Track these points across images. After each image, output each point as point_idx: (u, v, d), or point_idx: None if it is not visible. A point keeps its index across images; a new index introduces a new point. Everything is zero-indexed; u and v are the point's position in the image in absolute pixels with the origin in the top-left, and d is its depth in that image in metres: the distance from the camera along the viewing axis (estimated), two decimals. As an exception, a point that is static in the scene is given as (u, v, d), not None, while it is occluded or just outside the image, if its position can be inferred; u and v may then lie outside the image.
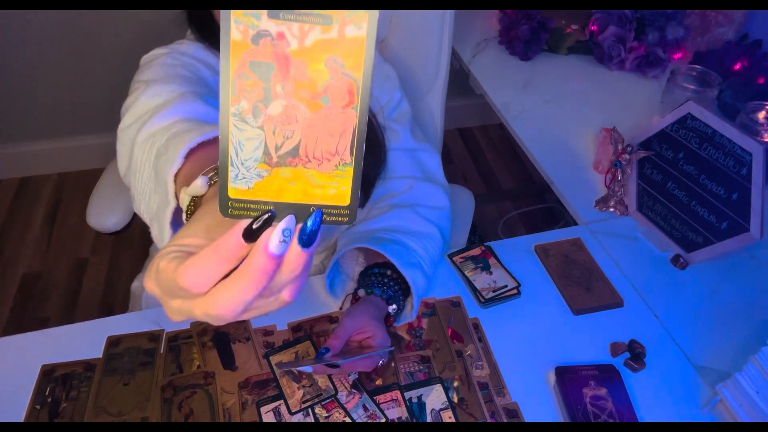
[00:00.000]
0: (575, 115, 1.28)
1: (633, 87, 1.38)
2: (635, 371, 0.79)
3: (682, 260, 0.94)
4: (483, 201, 2.08)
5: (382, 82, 0.93)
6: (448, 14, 1.10)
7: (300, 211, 0.31)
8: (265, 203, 0.31)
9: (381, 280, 0.79)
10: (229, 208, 0.31)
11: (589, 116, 1.27)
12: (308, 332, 0.81)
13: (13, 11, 1.73)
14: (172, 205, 0.47)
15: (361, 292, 0.80)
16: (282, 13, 0.27)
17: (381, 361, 0.75)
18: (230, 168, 0.30)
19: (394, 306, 0.79)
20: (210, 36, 0.81)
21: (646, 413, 0.74)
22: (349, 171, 0.31)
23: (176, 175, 0.47)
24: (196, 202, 0.42)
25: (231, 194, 0.31)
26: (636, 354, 0.80)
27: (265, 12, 0.27)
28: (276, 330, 0.81)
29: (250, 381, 0.75)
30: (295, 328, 0.81)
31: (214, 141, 0.49)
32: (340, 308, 0.84)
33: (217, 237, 0.31)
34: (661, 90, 1.24)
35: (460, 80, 1.52)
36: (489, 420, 0.72)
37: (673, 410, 0.75)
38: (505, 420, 0.72)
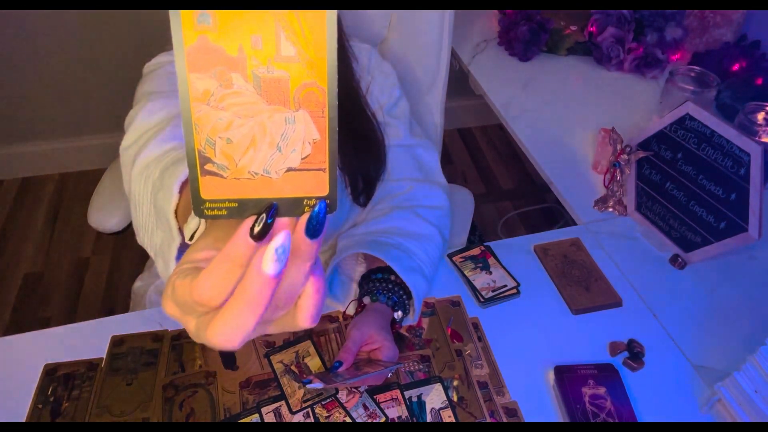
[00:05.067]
0: (574, 116, 1.28)
1: (632, 88, 1.39)
2: (634, 370, 0.79)
3: (680, 260, 0.95)
4: (483, 201, 2.09)
5: (382, 81, 0.94)
6: (448, 14, 1.11)
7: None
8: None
9: (385, 286, 0.79)
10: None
11: (588, 117, 1.28)
12: (308, 331, 0.81)
13: (14, 11, 1.74)
14: (177, 241, 0.45)
15: (366, 300, 0.79)
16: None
17: (390, 374, 0.76)
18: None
19: (400, 312, 0.79)
20: None
21: (645, 412, 0.74)
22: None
23: (176, 209, 0.45)
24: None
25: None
26: (635, 353, 0.80)
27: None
28: (277, 330, 0.81)
29: (250, 381, 0.75)
30: (296, 327, 0.82)
31: None
32: (344, 312, 0.84)
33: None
34: (659, 90, 1.25)
35: (459, 81, 1.52)
36: (488, 419, 0.72)
37: (671, 409, 0.75)
38: (504, 419, 0.73)
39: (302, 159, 0.29)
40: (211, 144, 0.29)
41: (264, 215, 0.29)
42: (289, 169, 0.30)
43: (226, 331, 0.29)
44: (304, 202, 0.30)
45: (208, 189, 0.29)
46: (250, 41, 0.27)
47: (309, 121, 0.29)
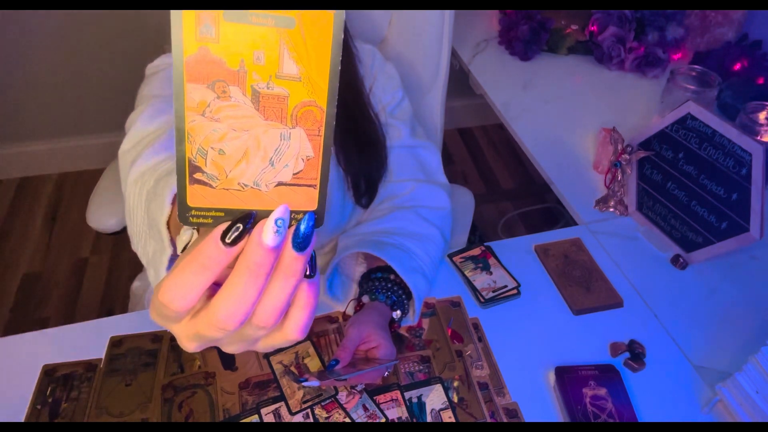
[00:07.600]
0: (575, 115, 1.28)
1: (633, 87, 1.38)
2: (635, 371, 0.79)
3: (681, 260, 0.95)
4: (483, 201, 2.08)
5: (384, 82, 0.94)
6: (448, 14, 1.10)
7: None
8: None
9: (385, 285, 0.79)
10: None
11: (589, 116, 1.27)
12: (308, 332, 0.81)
13: (14, 11, 1.73)
14: (168, 252, 0.45)
15: (365, 299, 0.79)
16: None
17: (386, 372, 0.75)
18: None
19: (399, 312, 0.79)
20: None
21: (646, 413, 0.74)
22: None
23: (168, 220, 0.45)
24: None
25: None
26: (636, 354, 0.80)
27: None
28: (276, 330, 0.81)
29: (250, 381, 0.75)
30: (296, 328, 0.81)
31: None
32: (343, 312, 0.84)
33: None
34: (660, 90, 1.24)
35: (460, 80, 1.52)
36: (489, 420, 0.72)
37: (672, 410, 0.75)
38: (505, 420, 0.72)
39: (294, 174, 0.29)
40: (202, 154, 0.28)
41: (240, 224, 0.29)
42: (280, 183, 0.29)
43: (228, 302, 0.29)
44: (292, 216, 0.30)
45: (196, 197, 0.29)
46: (253, 56, 0.27)
47: (304, 139, 0.29)
